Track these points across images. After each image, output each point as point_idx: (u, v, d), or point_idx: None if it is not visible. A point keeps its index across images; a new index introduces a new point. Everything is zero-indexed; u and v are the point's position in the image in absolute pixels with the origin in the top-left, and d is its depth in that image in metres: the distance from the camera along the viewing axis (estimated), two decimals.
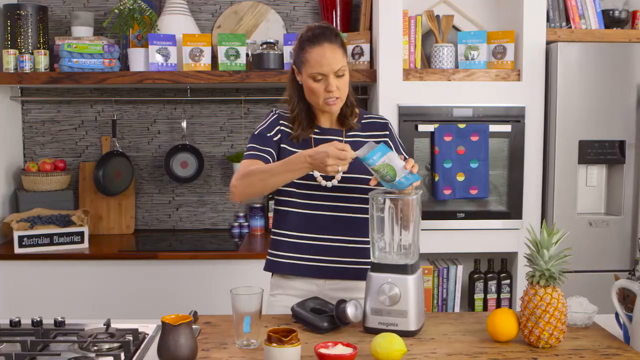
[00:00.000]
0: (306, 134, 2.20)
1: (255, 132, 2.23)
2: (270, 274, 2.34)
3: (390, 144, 2.28)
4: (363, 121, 2.28)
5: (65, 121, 3.86)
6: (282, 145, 2.21)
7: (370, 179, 2.06)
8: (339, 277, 2.24)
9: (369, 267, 2.15)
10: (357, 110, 2.27)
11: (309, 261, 2.22)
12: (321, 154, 1.91)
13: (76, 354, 1.76)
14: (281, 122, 2.24)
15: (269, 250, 2.31)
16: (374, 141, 2.04)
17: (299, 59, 2.14)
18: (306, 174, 2.11)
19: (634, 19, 3.51)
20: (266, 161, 2.16)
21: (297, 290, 2.24)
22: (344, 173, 2.15)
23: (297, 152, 2.15)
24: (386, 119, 2.34)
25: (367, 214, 2.18)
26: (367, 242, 2.21)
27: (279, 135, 2.22)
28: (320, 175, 2.18)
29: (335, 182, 2.18)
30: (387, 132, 2.30)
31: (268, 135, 2.21)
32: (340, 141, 2.21)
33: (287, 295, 2.25)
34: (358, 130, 2.26)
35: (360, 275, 2.20)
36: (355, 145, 2.17)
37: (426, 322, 2.04)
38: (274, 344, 1.65)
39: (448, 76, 3.33)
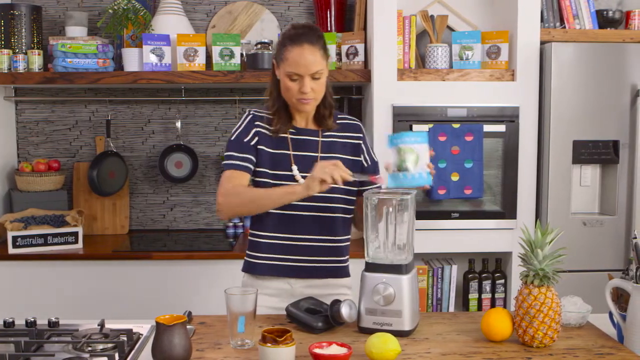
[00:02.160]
0: (285, 129, 2.21)
1: (232, 137, 2.23)
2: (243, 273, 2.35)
3: (363, 147, 2.31)
4: (338, 121, 2.29)
5: (59, 121, 3.85)
6: (259, 147, 2.21)
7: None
8: (314, 276, 2.25)
9: (343, 264, 2.28)
10: (334, 111, 2.28)
11: (286, 261, 2.23)
12: (318, 177, 1.95)
13: (70, 354, 1.75)
14: (256, 123, 2.23)
15: (247, 252, 2.31)
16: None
17: (279, 55, 2.15)
18: (285, 173, 2.17)
19: (627, 19, 3.52)
20: (248, 171, 2.18)
21: (269, 290, 2.24)
22: None
23: (275, 153, 2.19)
24: (359, 120, 2.36)
25: (345, 214, 2.25)
26: (344, 241, 2.28)
27: (256, 138, 2.21)
28: (298, 172, 2.18)
29: None
30: (361, 135, 2.32)
31: (245, 140, 2.20)
32: (316, 141, 2.23)
33: (260, 294, 2.26)
34: (334, 130, 2.27)
35: (335, 272, 2.28)
36: (331, 146, 2.24)
37: (420, 322, 2.04)
38: (269, 344, 1.65)
39: (442, 76, 3.33)
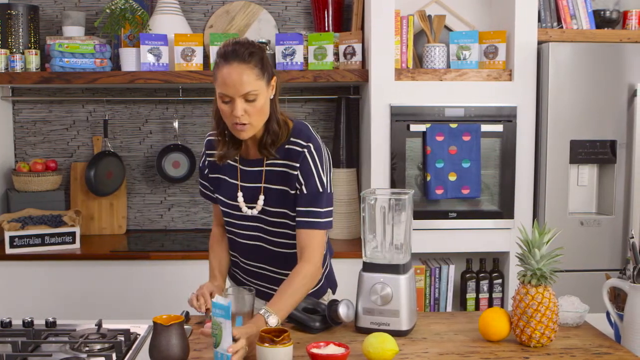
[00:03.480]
0: (231, 156, 2.10)
1: (200, 164, 2.28)
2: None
3: (301, 178, 2.05)
4: (286, 146, 2.06)
5: (56, 121, 3.84)
6: (211, 176, 2.20)
7: (283, 212, 2.08)
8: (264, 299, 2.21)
9: (317, 287, 2.21)
10: (282, 138, 2.06)
11: (242, 277, 2.29)
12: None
13: (67, 354, 1.75)
14: (207, 152, 2.21)
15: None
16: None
17: (214, 76, 1.97)
18: (233, 203, 2.14)
19: (624, 19, 3.53)
20: (215, 201, 2.25)
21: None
22: (264, 204, 2.08)
23: (227, 181, 2.16)
24: (307, 146, 2.05)
25: (289, 249, 2.14)
26: (287, 275, 2.06)
27: (207, 169, 2.22)
28: (244, 202, 2.12)
29: (255, 211, 2.11)
30: (298, 164, 2.04)
31: (205, 172, 2.24)
32: (260, 171, 2.09)
33: None
34: (277, 159, 2.07)
35: (314, 295, 2.24)
36: (272, 176, 2.08)
37: (418, 321, 2.05)
38: (266, 344, 1.65)
39: (440, 76, 3.34)
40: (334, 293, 2.35)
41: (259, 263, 2.20)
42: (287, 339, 1.67)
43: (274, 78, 2.01)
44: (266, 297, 2.17)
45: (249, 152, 2.12)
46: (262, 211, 2.10)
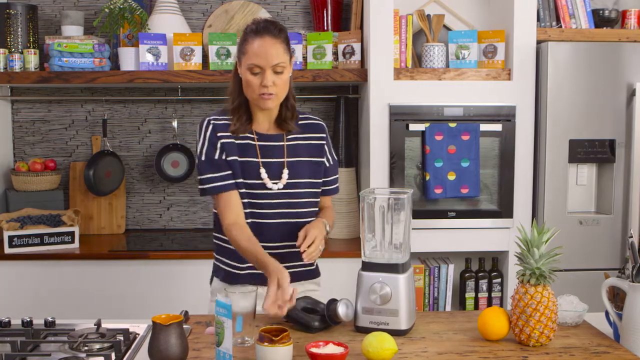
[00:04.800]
0: (245, 130, 2.16)
1: (202, 157, 2.17)
2: (209, 280, 2.34)
3: (326, 148, 2.28)
4: (300, 122, 2.25)
5: (55, 121, 3.84)
6: (228, 159, 2.15)
7: (312, 182, 2.18)
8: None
9: (313, 266, 2.28)
10: (296, 114, 2.24)
11: (252, 269, 2.19)
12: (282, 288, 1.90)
13: (67, 354, 1.75)
14: (219, 134, 2.16)
15: (215, 255, 2.30)
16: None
17: (241, 49, 2.11)
18: (256, 182, 2.14)
19: (623, 18, 3.53)
20: (234, 187, 2.14)
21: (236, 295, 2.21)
22: (289, 178, 2.17)
23: (243, 161, 2.15)
24: (321, 120, 2.32)
25: (313, 218, 2.22)
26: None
27: (224, 152, 2.15)
28: (268, 178, 2.16)
29: (281, 185, 2.16)
30: (324, 135, 2.29)
31: (216, 158, 2.15)
32: (281, 146, 2.19)
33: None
34: (297, 133, 2.23)
35: (305, 276, 2.28)
36: (296, 149, 2.20)
37: (417, 321, 2.05)
38: (265, 343, 1.65)
39: (439, 75, 3.34)
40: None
41: (285, 242, 2.20)
42: (286, 339, 1.67)
43: (293, 58, 2.18)
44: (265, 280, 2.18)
45: (264, 127, 2.21)
46: (286, 185, 2.17)
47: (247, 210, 2.18)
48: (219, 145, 2.15)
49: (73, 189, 3.80)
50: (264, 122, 2.21)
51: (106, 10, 3.48)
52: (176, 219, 3.90)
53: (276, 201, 2.17)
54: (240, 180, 2.16)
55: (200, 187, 2.18)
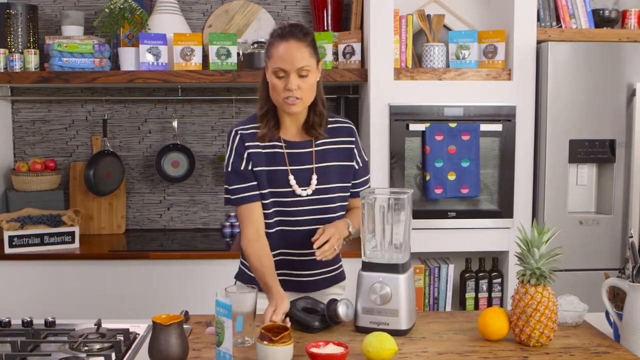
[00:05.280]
0: (272, 136, 2.16)
1: (229, 168, 2.16)
2: (234, 281, 2.33)
3: (355, 151, 2.26)
4: (329, 126, 2.23)
5: (55, 121, 3.84)
6: (255, 170, 2.15)
7: (341, 186, 2.19)
8: (311, 289, 2.24)
9: (338, 270, 2.30)
10: (325, 120, 2.22)
11: (284, 276, 2.20)
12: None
13: (67, 354, 1.75)
14: (246, 144, 2.15)
15: (242, 260, 2.30)
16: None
17: (267, 54, 2.11)
18: (284, 190, 2.15)
19: (623, 18, 3.53)
20: (258, 199, 2.14)
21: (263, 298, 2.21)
22: (317, 184, 2.17)
23: (271, 170, 2.15)
24: (350, 122, 2.30)
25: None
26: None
27: (250, 163, 2.15)
28: (297, 185, 2.16)
29: (310, 191, 2.16)
30: (354, 139, 2.26)
31: (242, 168, 2.15)
32: (310, 152, 2.19)
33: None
34: (325, 137, 2.21)
35: (331, 281, 2.29)
36: (325, 155, 2.20)
37: (417, 321, 2.05)
38: (265, 342, 1.65)
39: (439, 75, 3.34)
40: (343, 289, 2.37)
41: (302, 249, 2.19)
42: (287, 338, 1.67)
43: (320, 62, 2.16)
44: (301, 287, 2.22)
45: (291, 133, 2.20)
46: (315, 191, 2.17)
47: (276, 219, 2.17)
48: (245, 155, 2.15)
49: (73, 189, 3.80)
50: (291, 128, 2.19)
51: (106, 10, 3.48)
52: (176, 219, 3.90)
53: (305, 208, 2.17)
54: (267, 190, 2.15)
55: (225, 196, 2.19)
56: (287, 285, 2.17)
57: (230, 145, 2.18)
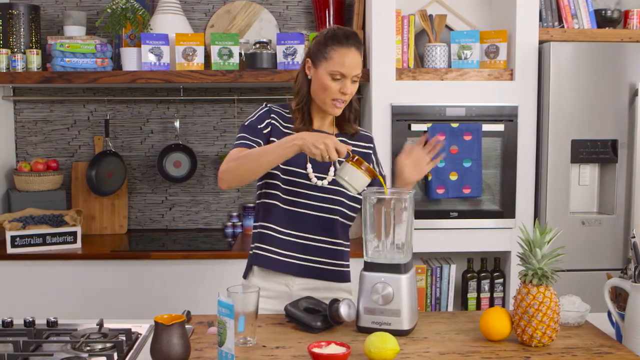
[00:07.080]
0: (306, 129, 2.19)
1: (246, 123, 2.22)
2: (242, 277, 2.33)
3: (373, 158, 2.35)
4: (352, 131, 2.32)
5: (57, 121, 3.85)
6: (271, 139, 2.18)
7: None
8: (314, 277, 2.24)
9: (343, 268, 2.29)
10: (359, 116, 2.29)
11: (290, 258, 2.22)
12: (318, 136, 1.93)
13: (69, 354, 1.75)
14: (272, 115, 2.22)
15: (255, 244, 2.28)
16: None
17: (322, 53, 2.14)
18: (298, 170, 2.16)
19: (626, 18, 3.53)
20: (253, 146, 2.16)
21: (267, 292, 2.21)
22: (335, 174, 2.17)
23: None
24: (371, 135, 2.40)
25: (344, 218, 2.25)
26: (343, 245, 2.28)
27: (269, 128, 2.20)
28: (313, 173, 2.18)
29: (325, 182, 2.19)
30: (372, 146, 2.36)
31: (259, 127, 2.19)
32: None
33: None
34: (348, 137, 2.28)
35: (334, 275, 2.27)
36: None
37: (419, 321, 2.04)
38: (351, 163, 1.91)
39: (441, 75, 3.34)
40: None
41: (319, 235, 2.22)
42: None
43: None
44: (304, 271, 2.22)
45: (317, 126, 2.25)
46: (332, 182, 2.19)
47: (285, 197, 2.19)
48: (266, 122, 2.20)
49: (75, 189, 3.80)
50: (319, 122, 2.26)
51: (108, 10, 3.48)
52: (178, 219, 3.91)
53: (320, 194, 2.19)
54: (284, 166, 2.16)
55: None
56: (287, 267, 2.21)
57: (256, 111, 2.24)
